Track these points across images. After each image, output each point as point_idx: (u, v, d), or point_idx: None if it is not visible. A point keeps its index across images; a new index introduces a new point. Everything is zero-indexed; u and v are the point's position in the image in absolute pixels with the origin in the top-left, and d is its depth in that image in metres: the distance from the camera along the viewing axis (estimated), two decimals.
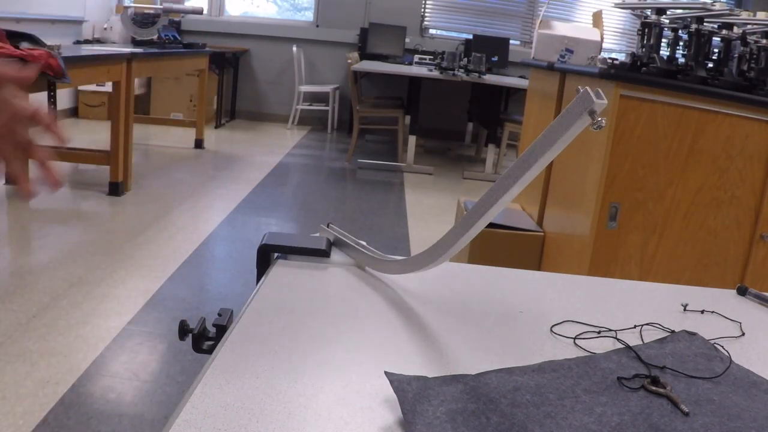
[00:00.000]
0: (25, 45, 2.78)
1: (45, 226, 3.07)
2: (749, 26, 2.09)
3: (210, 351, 0.62)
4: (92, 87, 5.94)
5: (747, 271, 2.06)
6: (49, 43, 2.93)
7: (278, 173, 4.76)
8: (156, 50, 4.26)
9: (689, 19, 2.09)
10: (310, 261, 0.73)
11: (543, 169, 0.47)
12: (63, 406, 1.68)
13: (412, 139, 5.22)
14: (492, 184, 0.50)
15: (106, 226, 3.18)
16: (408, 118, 5.37)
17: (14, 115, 0.54)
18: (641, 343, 0.59)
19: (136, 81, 5.34)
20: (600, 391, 0.48)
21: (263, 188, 4.26)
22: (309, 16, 7.20)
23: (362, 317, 0.60)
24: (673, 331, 0.62)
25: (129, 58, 3.67)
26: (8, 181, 3.65)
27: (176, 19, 6.62)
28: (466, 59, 5.44)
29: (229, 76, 6.88)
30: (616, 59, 2.33)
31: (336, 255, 0.75)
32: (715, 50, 2.23)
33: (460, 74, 5.13)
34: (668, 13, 2.16)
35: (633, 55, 2.14)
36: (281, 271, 0.69)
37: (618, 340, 0.59)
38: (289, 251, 0.73)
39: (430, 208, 4.18)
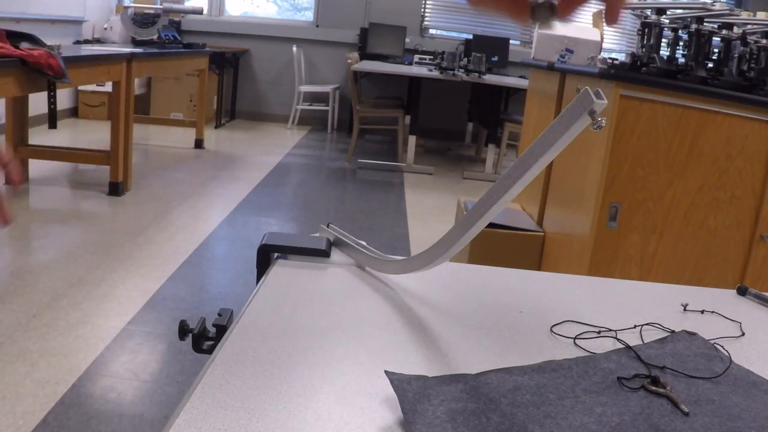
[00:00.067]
0: (25, 45, 2.78)
1: (45, 226, 3.07)
2: (749, 26, 2.09)
3: (210, 351, 0.62)
4: (92, 87, 5.94)
5: (747, 271, 2.06)
6: (49, 43, 2.93)
7: (278, 173, 4.76)
8: (156, 50, 4.26)
9: (689, 19, 2.09)
10: (310, 261, 0.73)
11: (543, 169, 0.47)
12: (63, 406, 1.68)
13: (412, 139, 5.22)
14: (492, 184, 0.50)
15: (106, 226, 3.18)
16: (408, 118, 5.37)
17: None
18: (641, 343, 0.59)
19: (136, 81, 5.33)
20: (600, 391, 0.48)
21: (263, 188, 4.26)
22: (309, 16, 7.20)
23: (362, 317, 0.60)
24: (673, 331, 0.62)
25: (129, 58, 3.67)
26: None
27: (176, 19, 6.62)
28: (466, 59, 5.44)
29: (229, 76, 6.88)
30: (616, 59, 2.33)
31: (336, 255, 0.75)
32: (715, 50, 2.23)
33: (460, 74, 5.13)
34: (668, 13, 2.16)
35: (633, 55, 2.14)
36: (281, 271, 0.69)
37: (618, 340, 0.59)
38: (289, 251, 0.73)
39: (430, 208, 4.18)
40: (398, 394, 0.45)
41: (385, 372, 0.48)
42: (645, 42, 2.17)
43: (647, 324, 0.64)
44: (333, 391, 0.47)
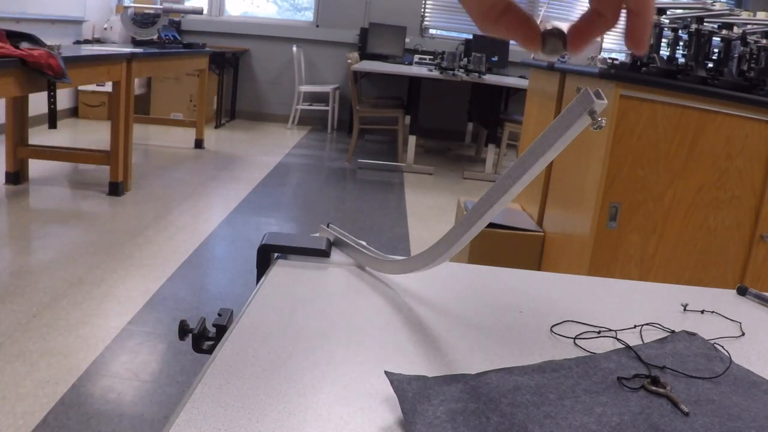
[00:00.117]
0: (25, 45, 2.78)
1: (45, 226, 3.07)
2: (749, 26, 2.09)
3: (210, 351, 0.62)
4: (92, 87, 5.94)
5: (747, 271, 2.06)
6: (49, 43, 2.93)
7: (278, 173, 4.76)
8: (156, 50, 4.26)
9: (689, 19, 2.09)
10: (310, 261, 0.73)
11: (543, 169, 0.47)
12: (63, 406, 1.68)
13: (412, 139, 5.22)
14: (492, 184, 0.50)
15: (106, 226, 3.18)
16: (408, 118, 5.37)
17: None
18: (641, 343, 0.59)
19: (136, 81, 5.34)
20: (600, 391, 0.48)
21: (263, 188, 4.26)
22: (309, 16, 7.20)
23: (362, 317, 0.60)
24: (673, 331, 0.62)
25: (129, 58, 3.67)
26: (8, 181, 3.64)
27: (176, 19, 6.62)
28: (466, 59, 5.44)
29: (229, 76, 6.88)
30: (616, 59, 2.33)
31: (336, 255, 0.75)
32: (715, 50, 2.23)
33: (460, 74, 5.13)
34: (668, 13, 2.16)
35: (633, 55, 2.14)
36: (281, 271, 0.69)
37: (618, 340, 0.59)
38: (289, 251, 0.73)
39: (430, 208, 4.18)
40: (398, 394, 0.45)
41: (385, 372, 0.48)
42: None
43: (647, 324, 0.64)
44: (333, 391, 0.47)
